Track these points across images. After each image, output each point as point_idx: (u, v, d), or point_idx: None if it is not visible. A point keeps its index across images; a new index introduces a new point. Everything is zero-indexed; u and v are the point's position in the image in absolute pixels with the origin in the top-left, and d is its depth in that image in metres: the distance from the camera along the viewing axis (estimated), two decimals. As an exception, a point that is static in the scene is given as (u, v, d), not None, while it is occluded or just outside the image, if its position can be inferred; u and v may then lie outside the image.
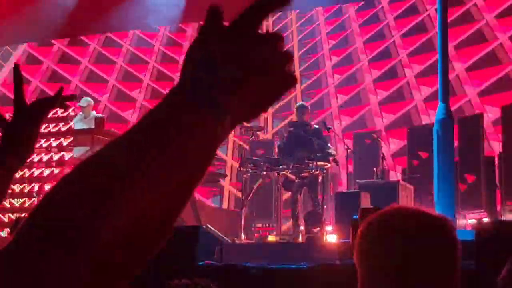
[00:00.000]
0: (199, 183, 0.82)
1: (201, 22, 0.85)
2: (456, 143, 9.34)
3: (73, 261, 0.72)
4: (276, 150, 10.33)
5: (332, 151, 9.55)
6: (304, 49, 15.44)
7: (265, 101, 0.85)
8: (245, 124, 10.73)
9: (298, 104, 10.18)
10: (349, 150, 10.29)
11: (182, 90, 0.81)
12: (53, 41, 16.81)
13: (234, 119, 0.83)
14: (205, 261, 6.55)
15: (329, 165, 9.31)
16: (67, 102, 1.79)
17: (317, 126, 9.83)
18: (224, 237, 8.08)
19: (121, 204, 0.74)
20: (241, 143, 10.19)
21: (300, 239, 8.73)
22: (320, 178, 9.12)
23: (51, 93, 1.74)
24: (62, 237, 0.72)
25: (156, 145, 0.78)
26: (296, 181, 9.23)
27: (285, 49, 0.84)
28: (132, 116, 15.50)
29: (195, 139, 0.79)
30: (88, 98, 11.66)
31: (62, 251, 0.72)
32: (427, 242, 1.64)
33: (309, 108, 10.05)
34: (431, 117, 12.29)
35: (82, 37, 16.75)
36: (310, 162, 8.95)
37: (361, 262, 1.67)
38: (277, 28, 15.87)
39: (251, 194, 9.34)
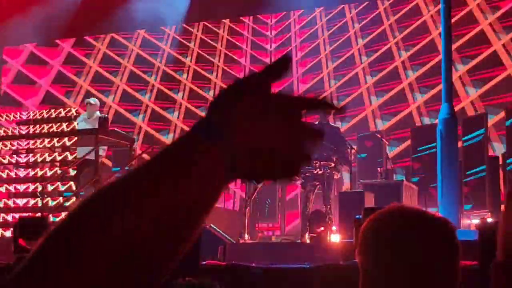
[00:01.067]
0: (206, 214, 0.86)
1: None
2: (460, 143, 9.33)
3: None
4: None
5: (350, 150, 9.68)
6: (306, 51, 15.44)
7: (268, 173, 0.89)
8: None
9: None
10: (353, 151, 10.28)
11: (198, 129, 0.87)
12: (59, 42, 16.83)
13: (239, 174, 0.88)
14: (209, 261, 6.56)
15: (332, 164, 9.32)
16: None
17: (336, 126, 9.93)
18: (228, 237, 8.09)
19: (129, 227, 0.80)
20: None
21: (305, 239, 8.73)
22: (325, 177, 9.14)
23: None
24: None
25: (166, 180, 0.83)
26: (311, 181, 9.24)
27: (313, 145, 0.89)
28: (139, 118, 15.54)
29: (202, 176, 0.85)
30: (95, 99, 11.74)
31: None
32: (427, 242, 1.64)
33: None
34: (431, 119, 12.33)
35: (88, 39, 16.76)
36: (315, 162, 8.96)
37: (362, 261, 1.68)
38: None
39: (254, 194, 9.35)
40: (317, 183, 9.21)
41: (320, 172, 9.01)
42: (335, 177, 9.24)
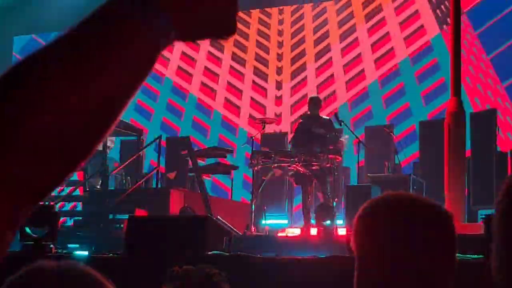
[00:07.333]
0: (133, 92, 0.81)
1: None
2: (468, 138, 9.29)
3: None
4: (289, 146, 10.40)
5: (342, 138, 9.59)
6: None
7: (206, 30, 0.85)
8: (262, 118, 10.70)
9: (310, 96, 10.27)
10: (360, 143, 10.25)
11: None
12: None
13: (177, 35, 0.83)
14: (214, 251, 6.55)
15: (340, 158, 9.30)
16: None
17: (327, 118, 9.85)
18: (234, 229, 8.09)
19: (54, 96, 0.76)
20: (255, 132, 10.25)
21: (311, 232, 8.72)
22: (330, 171, 9.11)
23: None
24: None
25: (93, 46, 0.78)
26: (307, 174, 9.21)
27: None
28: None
29: (134, 49, 0.79)
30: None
31: None
32: (422, 227, 1.61)
33: (321, 100, 10.19)
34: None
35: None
36: (322, 154, 8.94)
37: (356, 248, 1.66)
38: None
39: (261, 186, 9.33)
40: (312, 178, 9.20)
41: (312, 168, 8.98)
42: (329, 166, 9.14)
